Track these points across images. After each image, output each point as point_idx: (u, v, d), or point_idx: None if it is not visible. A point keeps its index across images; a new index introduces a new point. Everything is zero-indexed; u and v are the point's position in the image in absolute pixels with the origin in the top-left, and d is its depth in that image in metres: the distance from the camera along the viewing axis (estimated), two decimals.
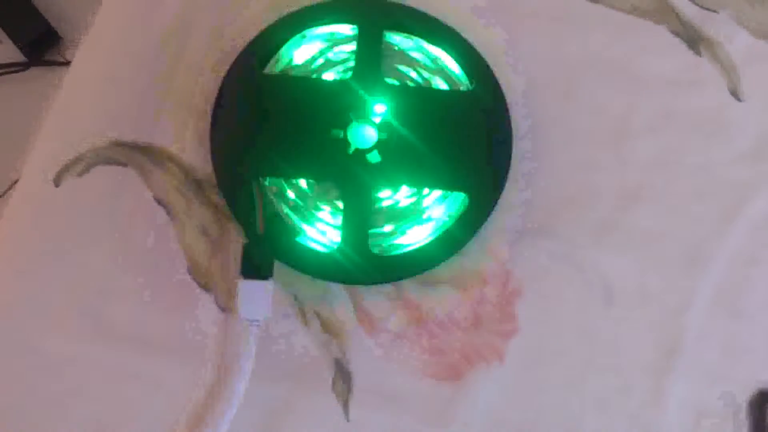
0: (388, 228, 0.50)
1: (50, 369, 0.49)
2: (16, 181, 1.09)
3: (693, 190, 0.51)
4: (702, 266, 0.50)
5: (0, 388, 0.49)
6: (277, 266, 0.49)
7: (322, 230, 0.49)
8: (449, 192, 0.50)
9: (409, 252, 0.49)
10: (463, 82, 0.51)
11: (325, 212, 0.50)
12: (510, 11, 0.53)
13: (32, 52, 1.16)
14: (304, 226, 0.49)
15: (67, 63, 1.15)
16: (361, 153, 0.49)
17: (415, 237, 0.50)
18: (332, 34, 0.52)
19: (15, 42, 1.17)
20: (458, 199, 0.50)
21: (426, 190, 0.50)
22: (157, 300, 0.49)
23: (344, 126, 0.49)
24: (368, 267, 0.49)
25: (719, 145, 0.52)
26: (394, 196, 0.50)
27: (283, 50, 0.51)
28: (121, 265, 0.50)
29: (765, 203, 0.51)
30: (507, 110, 0.50)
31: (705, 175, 0.51)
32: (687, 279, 0.50)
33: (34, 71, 1.18)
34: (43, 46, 1.17)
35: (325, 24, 0.51)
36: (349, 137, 0.49)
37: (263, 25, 0.51)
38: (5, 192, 1.10)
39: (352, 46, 0.51)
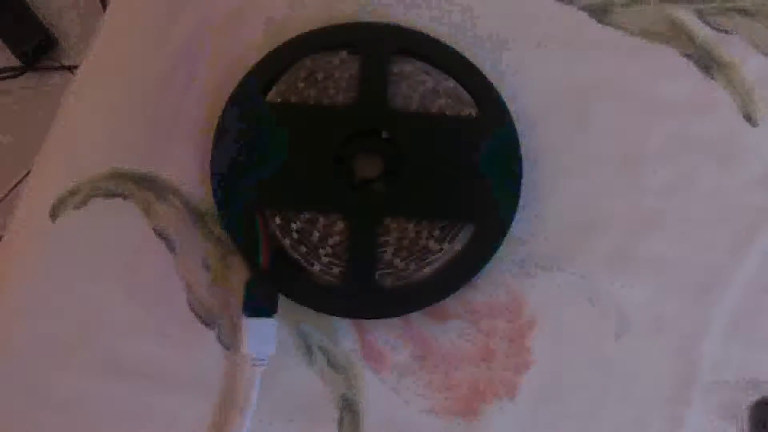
0: (395, 260, 0.48)
1: (57, 409, 0.48)
2: (15, 186, 1.09)
3: (707, 217, 0.50)
4: (717, 294, 0.49)
5: (7, 429, 0.48)
6: (282, 300, 0.47)
7: (327, 263, 0.48)
8: (458, 222, 0.48)
9: (417, 284, 0.48)
10: (471, 108, 0.49)
11: (330, 245, 0.48)
12: (520, 35, 0.52)
13: (27, 57, 1.15)
14: (309, 260, 0.48)
15: (63, 68, 1.15)
16: (366, 182, 0.48)
17: (423, 269, 0.48)
18: (337, 59, 0.50)
19: (10, 47, 1.16)
20: (468, 229, 0.48)
21: (434, 220, 0.48)
22: (160, 337, 0.48)
23: (349, 155, 0.48)
24: (375, 300, 0.48)
25: (733, 171, 0.51)
26: (402, 226, 0.49)
27: (286, 76, 0.50)
28: (123, 301, 0.48)
29: None
30: (516, 137, 0.49)
31: (719, 200, 0.50)
32: (702, 307, 0.49)
33: (29, 76, 1.17)
34: (38, 51, 1.16)
35: (329, 49, 0.50)
36: (355, 166, 0.48)
37: (266, 51, 0.50)
38: (5, 196, 1.09)
39: (357, 72, 0.49)
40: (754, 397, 0.48)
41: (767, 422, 0.48)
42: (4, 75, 1.15)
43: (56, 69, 1.17)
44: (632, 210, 0.50)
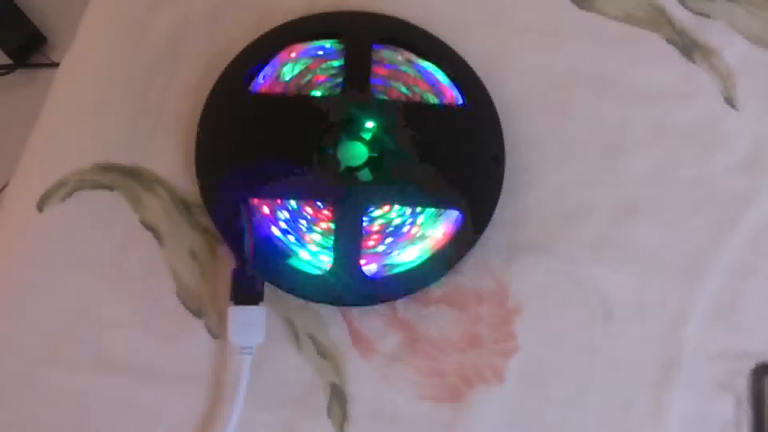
0: (381, 248, 0.49)
1: (46, 401, 0.48)
2: (7, 184, 1.08)
3: (689, 203, 0.50)
4: (699, 279, 0.50)
5: None
6: (269, 289, 0.48)
7: (314, 252, 0.48)
8: (442, 209, 0.49)
9: (403, 271, 0.48)
10: (455, 97, 0.50)
11: (316, 233, 0.49)
12: (502, 25, 0.52)
13: (17, 54, 1.15)
14: (296, 248, 0.48)
15: (53, 64, 1.15)
16: (351, 171, 0.48)
17: (409, 256, 0.49)
18: (319, 48, 0.50)
19: (0, 45, 1.15)
20: (452, 216, 0.49)
21: (419, 208, 0.49)
22: (150, 327, 0.49)
23: (334, 144, 0.48)
24: (361, 288, 0.48)
25: (713, 156, 0.51)
26: (387, 214, 0.49)
27: (269, 67, 0.50)
28: (111, 292, 0.49)
29: (761, 213, 0.51)
30: (499, 125, 0.49)
31: (701, 186, 0.51)
32: (685, 292, 0.50)
33: (19, 73, 1.16)
34: (28, 47, 1.16)
35: (312, 39, 0.50)
36: (340, 155, 0.48)
37: (248, 41, 0.50)
38: None
39: (341, 61, 0.50)
40: (750, 365, 0.49)
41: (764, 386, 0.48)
42: None
43: (46, 66, 1.17)
44: (614, 197, 0.51)
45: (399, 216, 0.49)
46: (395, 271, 0.48)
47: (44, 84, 1.15)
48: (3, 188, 1.09)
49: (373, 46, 0.50)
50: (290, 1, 0.52)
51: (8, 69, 1.15)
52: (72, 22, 0.54)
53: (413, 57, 0.50)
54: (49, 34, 1.17)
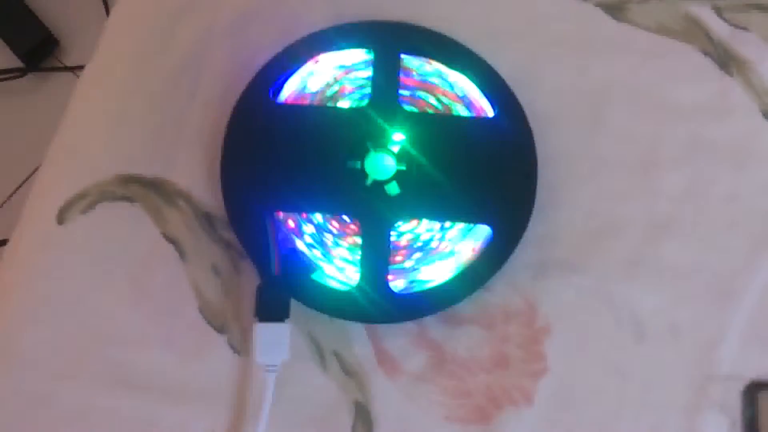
0: (408, 263, 0.48)
1: (66, 420, 0.47)
2: (18, 188, 1.08)
3: (724, 220, 0.49)
4: (734, 299, 0.48)
5: None
6: (294, 305, 0.47)
7: (340, 267, 0.47)
8: (472, 224, 0.48)
9: (431, 288, 0.47)
10: (485, 109, 0.49)
11: (342, 248, 0.47)
12: (534, 35, 0.51)
13: (30, 57, 1.14)
14: (321, 263, 0.47)
15: (66, 68, 1.14)
16: (379, 184, 0.47)
17: (437, 272, 0.47)
18: (347, 59, 0.49)
19: (12, 48, 1.15)
20: (482, 232, 0.47)
21: (448, 223, 0.48)
22: (171, 343, 0.48)
23: (361, 156, 0.47)
24: (388, 305, 0.47)
25: (749, 173, 0.50)
26: (415, 229, 0.48)
27: (296, 78, 0.49)
28: (132, 307, 0.48)
29: None
30: (532, 138, 0.48)
31: (735, 205, 0.49)
32: (718, 312, 0.48)
33: (31, 77, 1.16)
34: (40, 51, 1.15)
35: (339, 49, 0.49)
36: (367, 168, 0.47)
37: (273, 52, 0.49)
38: (9, 197, 1.09)
39: (368, 72, 0.49)
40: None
41: (758, 405, 0.47)
42: (7, 76, 1.15)
43: (58, 70, 1.17)
44: (648, 214, 0.49)
45: (427, 231, 0.48)
46: (423, 287, 0.47)
47: (57, 88, 1.16)
48: (16, 190, 1.08)
49: (402, 57, 0.49)
50: (316, 12, 0.51)
51: (20, 72, 1.15)
52: (85, 26, 0.53)
53: (442, 67, 0.49)
54: (61, 37, 1.17)
